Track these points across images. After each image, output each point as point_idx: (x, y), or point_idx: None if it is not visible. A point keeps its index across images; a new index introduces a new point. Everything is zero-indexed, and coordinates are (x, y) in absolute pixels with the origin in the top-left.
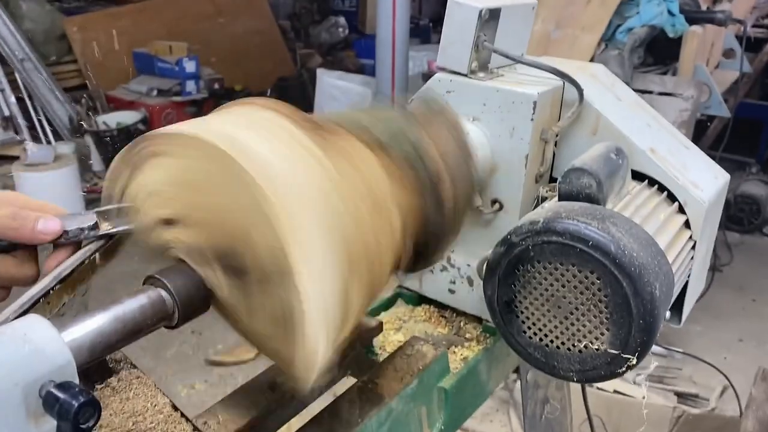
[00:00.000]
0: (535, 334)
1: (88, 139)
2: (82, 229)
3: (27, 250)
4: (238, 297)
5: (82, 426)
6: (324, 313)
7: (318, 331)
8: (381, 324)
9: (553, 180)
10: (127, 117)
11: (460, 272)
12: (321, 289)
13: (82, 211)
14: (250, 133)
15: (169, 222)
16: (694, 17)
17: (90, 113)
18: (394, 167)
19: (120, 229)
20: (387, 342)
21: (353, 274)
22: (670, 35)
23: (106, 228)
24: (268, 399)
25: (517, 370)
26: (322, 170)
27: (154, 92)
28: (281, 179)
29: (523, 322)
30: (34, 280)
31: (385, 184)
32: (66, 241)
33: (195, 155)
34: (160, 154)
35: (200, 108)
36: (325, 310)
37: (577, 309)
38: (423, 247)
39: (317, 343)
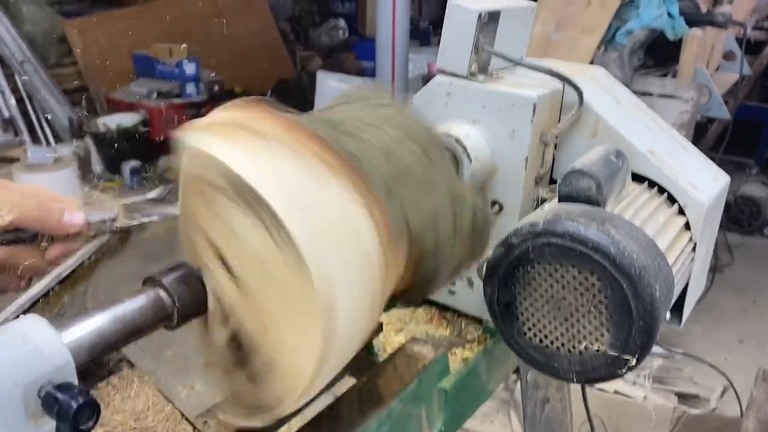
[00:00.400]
0: (535, 335)
1: (88, 141)
2: (104, 221)
3: (50, 241)
4: (224, 356)
5: (82, 427)
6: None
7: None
8: (381, 325)
9: (552, 182)
10: (127, 119)
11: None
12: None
13: (104, 200)
14: (343, 271)
15: (220, 256)
16: (694, 20)
17: (90, 115)
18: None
19: (144, 219)
20: (388, 343)
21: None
22: (670, 38)
23: (128, 219)
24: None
25: (517, 371)
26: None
27: (154, 94)
28: (339, 344)
29: (523, 324)
30: (43, 270)
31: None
32: (90, 233)
33: (289, 261)
34: (260, 220)
35: (200, 110)
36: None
37: (577, 310)
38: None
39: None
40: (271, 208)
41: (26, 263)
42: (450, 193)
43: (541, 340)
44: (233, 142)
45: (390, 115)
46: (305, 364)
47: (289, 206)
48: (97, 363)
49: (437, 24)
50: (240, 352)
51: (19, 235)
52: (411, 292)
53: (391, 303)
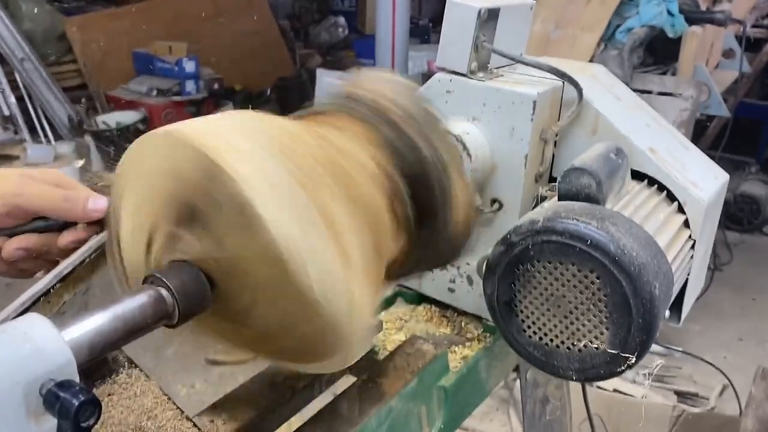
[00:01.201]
0: (534, 333)
1: (88, 139)
2: None
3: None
4: (210, 245)
5: (83, 425)
6: (277, 195)
7: (279, 212)
8: (381, 323)
9: (552, 180)
10: (127, 117)
11: (459, 271)
12: (260, 171)
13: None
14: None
15: (149, 244)
16: (693, 17)
17: (90, 113)
18: (335, 119)
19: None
20: (388, 341)
21: (310, 178)
22: (670, 35)
23: None
24: (268, 397)
25: (516, 369)
26: (252, 116)
27: (154, 92)
28: (198, 123)
29: (523, 321)
30: (62, 254)
31: (330, 128)
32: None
33: (133, 171)
34: (121, 197)
35: (200, 108)
36: (276, 190)
37: (576, 308)
38: (417, 180)
39: (286, 226)
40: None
41: (54, 249)
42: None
43: (540, 338)
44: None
45: None
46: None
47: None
48: (100, 361)
49: (437, 21)
50: (203, 226)
51: (49, 223)
52: (423, 242)
53: (408, 269)
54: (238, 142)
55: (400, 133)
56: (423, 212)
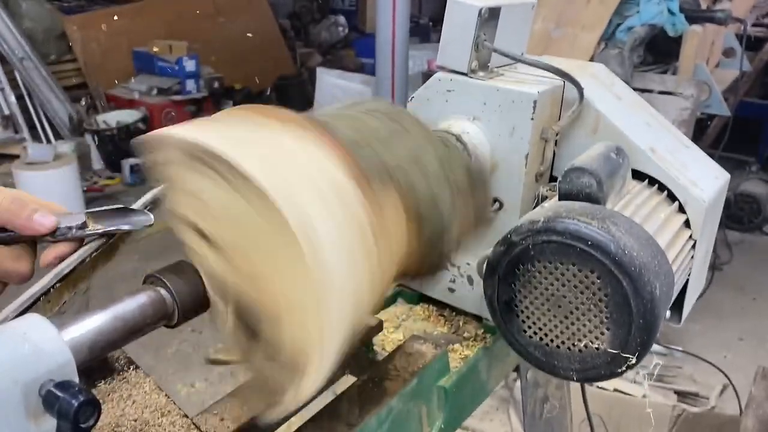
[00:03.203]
0: (535, 333)
1: (88, 138)
2: (70, 228)
3: (25, 245)
4: (238, 340)
5: (82, 425)
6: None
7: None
8: (381, 323)
9: (553, 179)
10: (127, 116)
11: (459, 271)
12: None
13: (77, 211)
14: (314, 199)
15: (201, 233)
16: (694, 16)
17: (90, 112)
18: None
19: (111, 229)
20: (386, 341)
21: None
22: (670, 34)
23: (95, 228)
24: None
25: (517, 369)
26: (369, 263)
27: (154, 91)
28: (334, 275)
29: (523, 322)
30: (28, 278)
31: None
32: (53, 239)
33: (256, 204)
34: (219, 175)
35: (200, 107)
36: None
37: (577, 308)
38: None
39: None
40: (214, 152)
41: (11, 269)
42: (428, 141)
43: (541, 338)
44: (185, 125)
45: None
46: (308, 304)
47: (232, 146)
48: (100, 361)
49: (437, 21)
50: (249, 329)
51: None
52: (424, 256)
53: (413, 272)
54: (314, 218)
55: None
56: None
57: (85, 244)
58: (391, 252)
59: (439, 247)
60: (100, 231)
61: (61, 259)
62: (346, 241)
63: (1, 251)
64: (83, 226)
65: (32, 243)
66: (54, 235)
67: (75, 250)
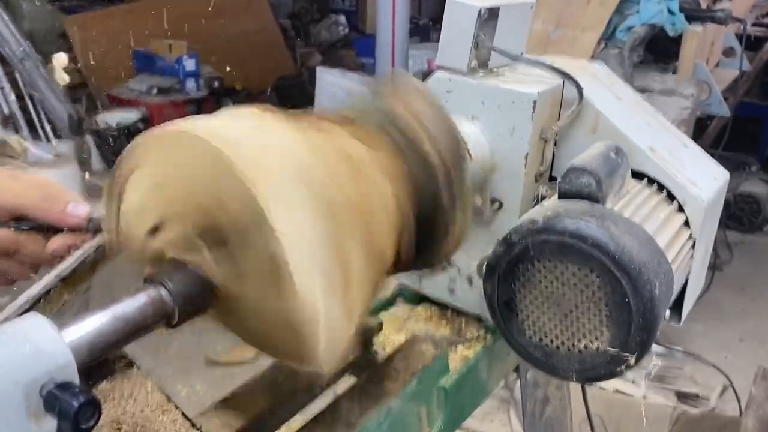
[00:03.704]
0: (534, 333)
1: (88, 138)
2: (99, 219)
3: (57, 232)
4: (228, 273)
5: (83, 426)
6: (311, 258)
7: (308, 278)
8: (381, 323)
9: (552, 179)
10: (127, 115)
11: (459, 271)
12: (300, 231)
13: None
14: (213, 119)
15: (155, 229)
16: (693, 16)
17: (90, 112)
18: (367, 136)
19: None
20: (387, 342)
21: (342, 229)
22: (670, 34)
23: None
24: (268, 399)
25: (517, 370)
26: (290, 134)
27: (154, 91)
28: (243, 141)
29: (523, 321)
30: (47, 261)
31: (362, 150)
32: (91, 228)
33: (160, 154)
34: (133, 170)
35: (200, 106)
36: (312, 254)
37: (576, 308)
38: (427, 219)
39: (312, 293)
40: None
41: (28, 250)
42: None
43: (540, 338)
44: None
45: None
46: (249, 183)
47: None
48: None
49: (437, 20)
50: (227, 250)
51: (23, 224)
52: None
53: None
54: (286, 187)
55: (428, 178)
56: (420, 249)
57: (85, 245)
58: (330, 135)
59: (412, 143)
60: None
61: (70, 247)
62: (253, 125)
63: (37, 238)
64: None
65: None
66: (90, 226)
67: (85, 240)
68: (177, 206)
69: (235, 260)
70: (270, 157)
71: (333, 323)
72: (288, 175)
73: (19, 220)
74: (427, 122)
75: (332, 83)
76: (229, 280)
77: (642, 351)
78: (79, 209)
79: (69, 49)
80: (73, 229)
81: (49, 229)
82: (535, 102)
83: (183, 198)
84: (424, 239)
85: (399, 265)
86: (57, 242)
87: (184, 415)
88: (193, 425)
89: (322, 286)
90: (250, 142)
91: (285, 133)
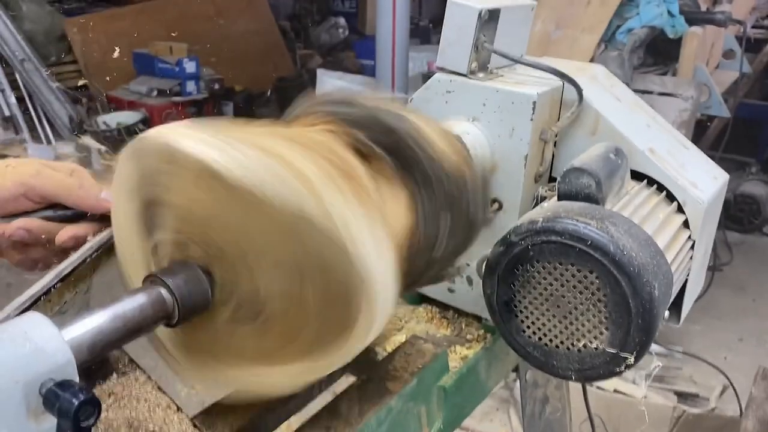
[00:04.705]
0: (534, 333)
1: (89, 139)
2: None
3: (91, 220)
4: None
5: (83, 424)
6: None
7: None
8: None
9: (552, 180)
10: (128, 117)
11: (459, 271)
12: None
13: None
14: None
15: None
16: (693, 18)
17: (90, 113)
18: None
19: None
20: (388, 342)
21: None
22: (670, 36)
23: None
24: (268, 397)
25: (516, 369)
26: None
27: (155, 92)
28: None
29: (522, 321)
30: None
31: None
32: None
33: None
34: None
35: (200, 108)
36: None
37: (576, 308)
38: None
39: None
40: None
41: (63, 238)
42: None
43: (540, 338)
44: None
45: None
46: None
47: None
48: (101, 361)
49: (437, 22)
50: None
51: (57, 213)
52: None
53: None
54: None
55: (361, 108)
56: (397, 157)
57: (86, 244)
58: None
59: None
60: None
61: (77, 239)
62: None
63: (61, 226)
64: None
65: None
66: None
67: (91, 233)
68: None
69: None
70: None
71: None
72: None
73: (52, 208)
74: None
75: (332, 85)
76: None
77: (641, 351)
78: (111, 196)
79: (69, 51)
80: (103, 217)
81: (80, 217)
82: (534, 103)
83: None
84: (403, 158)
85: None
86: (66, 234)
87: (184, 414)
88: (194, 425)
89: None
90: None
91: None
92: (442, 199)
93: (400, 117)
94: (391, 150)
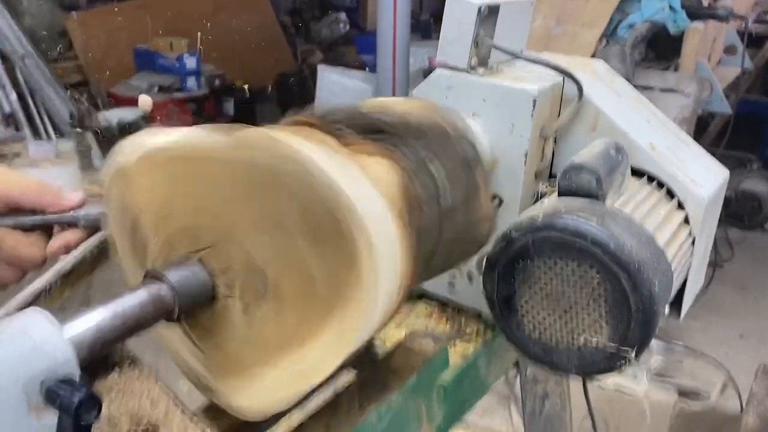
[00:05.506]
0: (534, 329)
1: (89, 136)
2: (90, 214)
3: (41, 232)
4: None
5: (83, 421)
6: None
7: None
8: None
9: (552, 176)
10: (128, 113)
11: (459, 267)
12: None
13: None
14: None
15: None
16: (695, 13)
17: (91, 109)
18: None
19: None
20: (387, 337)
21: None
22: (672, 31)
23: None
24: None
25: (517, 365)
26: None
27: (155, 88)
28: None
29: (523, 317)
30: (41, 264)
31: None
32: (86, 225)
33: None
34: (138, 215)
35: (201, 104)
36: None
37: (576, 304)
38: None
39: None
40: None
41: (26, 255)
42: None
43: (540, 334)
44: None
45: None
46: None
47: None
48: (102, 357)
49: (438, 18)
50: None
51: (18, 220)
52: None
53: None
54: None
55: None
56: (369, 131)
57: (85, 242)
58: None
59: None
60: None
61: (68, 247)
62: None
63: (18, 237)
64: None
65: (47, 229)
66: (85, 222)
67: (82, 240)
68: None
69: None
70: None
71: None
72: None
73: (13, 213)
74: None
75: (333, 80)
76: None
77: (641, 347)
78: (73, 195)
79: (69, 47)
80: (68, 226)
81: (37, 228)
82: (535, 99)
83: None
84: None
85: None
86: (56, 244)
87: (184, 409)
88: (195, 421)
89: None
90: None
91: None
92: (421, 148)
93: (354, 104)
94: (351, 125)
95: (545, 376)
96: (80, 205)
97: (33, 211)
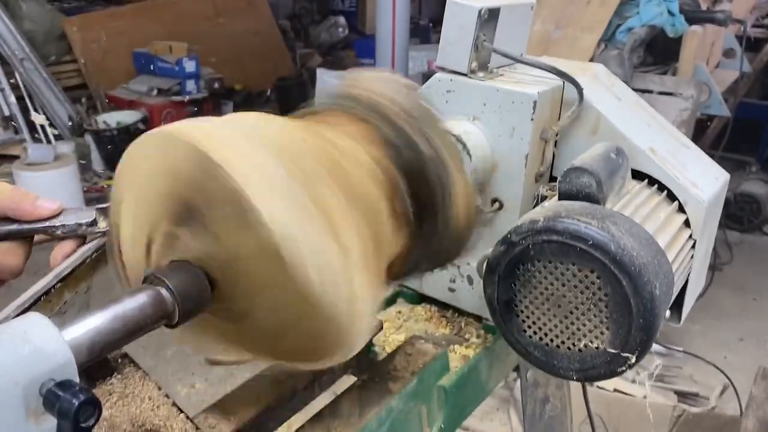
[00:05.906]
0: (534, 333)
1: (88, 139)
2: (80, 224)
3: (20, 241)
4: (207, 241)
5: (83, 425)
6: (270, 189)
7: (271, 202)
8: (381, 323)
9: (553, 179)
10: (127, 116)
11: (460, 271)
12: (253, 166)
13: (83, 207)
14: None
15: (149, 247)
16: (694, 17)
17: (90, 113)
18: (332, 116)
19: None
20: (387, 341)
21: (309, 175)
22: (670, 35)
23: (104, 226)
24: (268, 397)
25: (517, 369)
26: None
27: (154, 92)
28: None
29: (523, 321)
30: (18, 273)
31: (328, 127)
32: (63, 234)
33: (132, 173)
34: (121, 203)
35: (200, 107)
36: (272, 187)
37: (577, 308)
38: (414, 172)
39: (279, 216)
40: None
41: (3, 263)
42: None
43: (540, 338)
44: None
45: None
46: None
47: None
48: (101, 361)
49: (437, 21)
50: (200, 222)
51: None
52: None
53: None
54: (233, 139)
55: (398, 130)
56: (423, 209)
57: (91, 241)
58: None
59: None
60: (106, 228)
61: (68, 257)
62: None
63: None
64: (93, 222)
65: (28, 239)
66: (64, 232)
67: (78, 247)
68: (153, 212)
69: (208, 225)
70: (219, 126)
71: (322, 258)
72: (236, 132)
73: None
74: (388, 92)
75: (332, 84)
76: (212, 249)
77: (642, 351)
78: (49, 203)
79: (69, 50)
80: (48, 234)
81: (10, 238)
82: (535, 102)
83: (153, 201)
84: (424, 202)
85: (409, 235)
86: (59, 255)
87: (183, 413)
88: (194, 425)
89: (294, 214)
90: (193, 124)
91: (244, 115)
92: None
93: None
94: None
95: (546, 380)
96: (57, 214)
97: (8, 219)
